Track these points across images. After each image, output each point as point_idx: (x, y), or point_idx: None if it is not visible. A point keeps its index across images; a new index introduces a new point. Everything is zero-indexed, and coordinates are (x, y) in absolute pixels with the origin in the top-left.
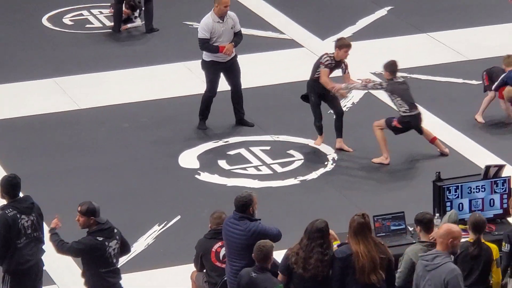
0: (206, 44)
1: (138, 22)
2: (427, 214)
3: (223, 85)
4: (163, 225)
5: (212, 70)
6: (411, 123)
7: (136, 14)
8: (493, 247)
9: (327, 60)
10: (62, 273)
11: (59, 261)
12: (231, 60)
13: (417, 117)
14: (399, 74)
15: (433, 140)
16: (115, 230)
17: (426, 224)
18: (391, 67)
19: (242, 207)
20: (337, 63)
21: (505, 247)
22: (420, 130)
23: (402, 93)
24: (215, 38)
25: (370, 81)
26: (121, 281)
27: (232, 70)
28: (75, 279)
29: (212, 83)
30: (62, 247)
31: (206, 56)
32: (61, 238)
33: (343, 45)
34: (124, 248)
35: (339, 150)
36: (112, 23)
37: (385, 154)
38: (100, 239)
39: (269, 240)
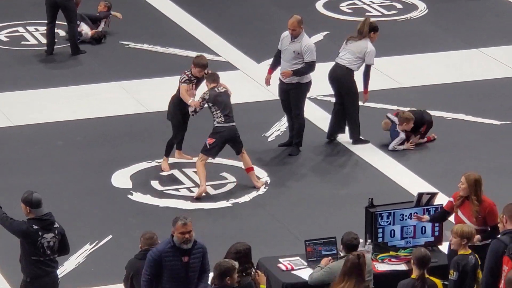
0: (275, 54)
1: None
2: (354, 240)
3: (155, 105)
4: (94, 244)
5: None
6: (225, 133)
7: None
8: (438, 282)
9: (184, 78)
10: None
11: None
12: (290, 86)
13: (233, 129)
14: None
15: (248, 170)
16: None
17: (348, 247)
18: (213, 76)
19: None
20: (198, 79)
21: (453, 275)
22: (238, 148)
23: (221, 104)
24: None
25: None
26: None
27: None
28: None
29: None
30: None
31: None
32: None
33: (198, 64)
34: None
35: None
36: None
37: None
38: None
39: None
